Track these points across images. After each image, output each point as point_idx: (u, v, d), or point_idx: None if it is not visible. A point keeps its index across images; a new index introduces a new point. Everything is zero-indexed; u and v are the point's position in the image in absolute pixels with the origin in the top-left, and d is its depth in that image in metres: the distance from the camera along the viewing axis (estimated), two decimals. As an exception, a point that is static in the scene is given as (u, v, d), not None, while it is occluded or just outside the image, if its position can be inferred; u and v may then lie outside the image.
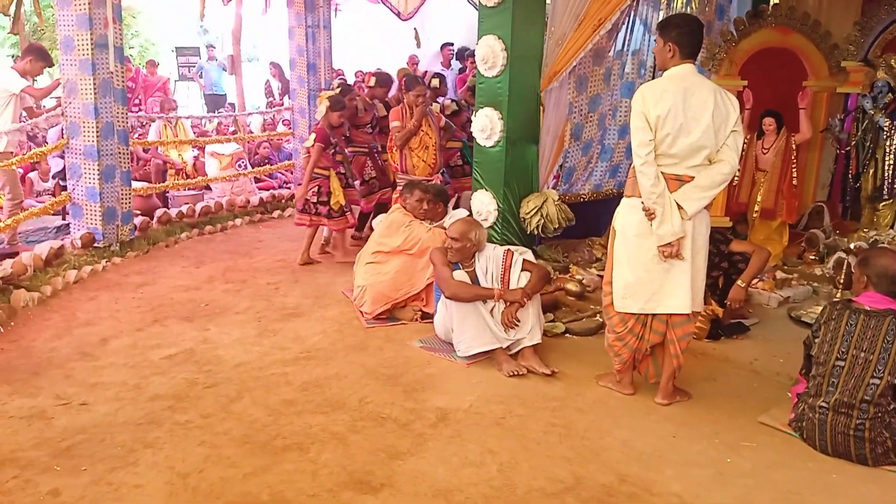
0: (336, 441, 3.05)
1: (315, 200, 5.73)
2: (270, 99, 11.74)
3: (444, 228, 4.52)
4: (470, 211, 4.97)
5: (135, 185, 6.72)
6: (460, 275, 3.98)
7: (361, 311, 4.60)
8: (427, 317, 4.44)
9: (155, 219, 6.63)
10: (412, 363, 3.92)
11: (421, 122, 5.59)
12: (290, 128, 8.58)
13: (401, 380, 3.70)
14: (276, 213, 7.74)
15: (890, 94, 5.44)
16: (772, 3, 6.39)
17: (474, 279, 4.03)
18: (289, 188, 8.38)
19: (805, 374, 3.20)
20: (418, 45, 11.11)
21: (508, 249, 4.17)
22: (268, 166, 8.58)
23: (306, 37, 7.92)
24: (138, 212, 6.51)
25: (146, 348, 4.04)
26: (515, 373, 3.77)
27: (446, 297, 3.96)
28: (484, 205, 5.02)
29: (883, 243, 5.00)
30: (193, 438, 3.05)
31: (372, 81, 6.79)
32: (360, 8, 10.77)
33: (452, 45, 10.33)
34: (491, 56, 4.79)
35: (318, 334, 4.29)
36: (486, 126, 4.91)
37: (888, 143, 5.44)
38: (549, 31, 4.87)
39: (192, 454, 2.92)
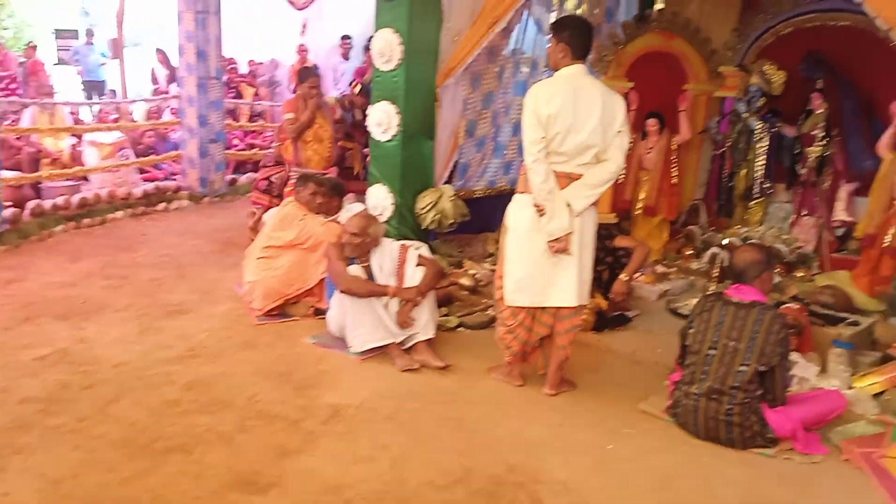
0: (222, 441, 2.96)
1: (280, 182, 5.75)
2: (156, 86, 11.21)
3: (339, 223, 4.47)
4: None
5: (5, 174, 6.26)
6: (355, 270, 3.95)
7: (252, 308, 4.48)
8: (320, 313, 4.38)
9: (27, 211, 6.20)
10: (304, 360, 3.86)
11: (315, 115, 5.50)
12: (177, 116, 8.22)
13: (292, 377, 3.63)
14: (161, 206, 7.40)
15: (763, 99, 5.80)
16: (656, 9, 6.68)
17: (370, 274, 4.01)
18: (174, 180, 8.04)
19: (681, 363, 3.37)
20: (302, 34, 10.89)
21: (404, 244, 4.18)
22: (153, 156, 8.19)
23: (196, 22, 7.61)
24: (9, 203, 6.07)
25: (15, 348, 3.77)
26: (409, 367, 3.78)
27: (340, 292, 3.92)
28: (380, 199, 5.00)
29: (752, 239, 5.34)
30: (67, 443, 2.88)
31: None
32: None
33: (350, 37, 10.20)
34: (388, 50, 4.77)
35: (204, 332, 4.14)
36: (383, 120, 4.89)
37: (760, 146, 5.81)
38: (446, 27, 4.90)
39: (65, 459, 2.76)
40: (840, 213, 5.48)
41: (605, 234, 4.46)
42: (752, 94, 5.80)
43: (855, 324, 4.08)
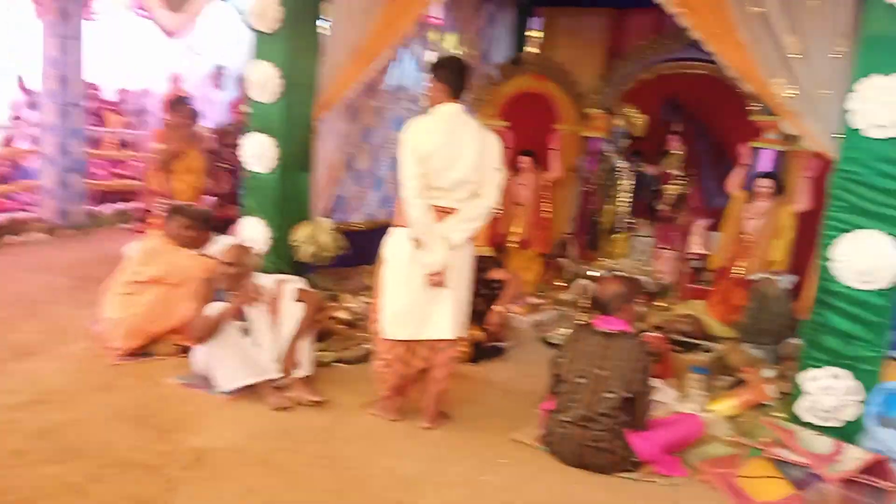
0: (72, 493, 2.72)
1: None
2: (13, 113, 10.44)
3: (210, 256, 4.30)
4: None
5: None
6: (218, 307, 3.78)
7: (111, 347, 4.19)
8: (186, 351, 4.16)
9: None
10: (168, 401, 3.65)
11: (186, 145, 5.31)
12: (34, 144, 7.68)
13: (153, 420, 3.41)
14: (14, 239, 6.84)
15: (626, 140, 6.15)
16: (530, 52, 6.98)
17: (242, 310, 3.87)
18: (29, 211, 7.47)
19: (552, 392, 3.46)
20: (176, 63, 10.56)
21: (279, 279, 4.07)
22: (5, 186, 7.59)
23: (59, 48, 7.19)
24: None
25: None
26: (281, 406, 3.65)
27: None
28: (255, 232, 4.86)
29: (618, 271, 5.60)
30: None
31: None
32: (123, 21, 10.01)
33: (224, 67, 10.00)
34: (265, 82, 4.70)
35: (56, 374, 3.81)
36: (259, 152, 4.78)
37: (623, 183, 6.14)
38: (325, 62, 4.88)
39: None
40: (696, 247, 5.86)
41: (481, 266, 4.54)
42: (616, 136, 6.15)
43: (710, 350, 4.35)
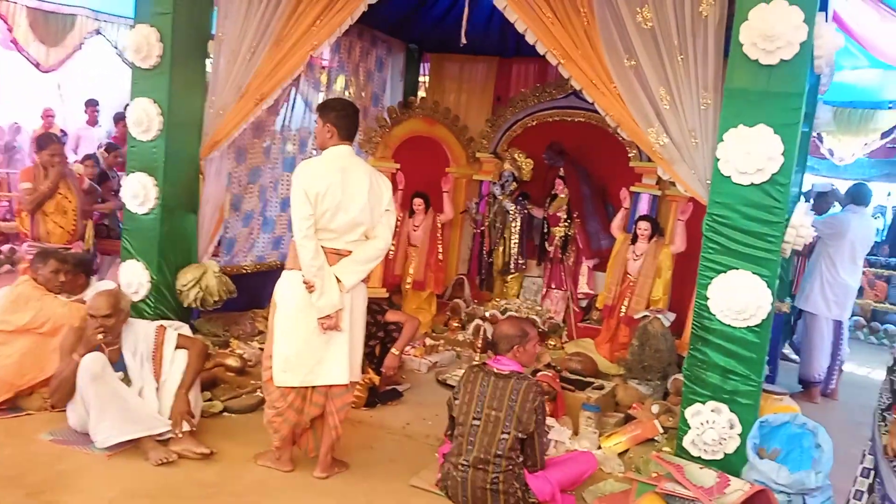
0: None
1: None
2: None
3: (85, 303, 4.03)
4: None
5: None
6: (92, 358, 3.53)
7: (-28, 403, 3.83)
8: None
9: None
10: (39, 460, 3.36)
11: (57, 184, 5.00)
12: None
13: (23, 481, 3.14)
14: None
15: (514, 183, 6.33)
16: (419, 97, 7.10)
17: (119, 359, 3.64)
18: None
19: (449, 435, 3.45)
20: (51, 98, 10.05)
21: (161, 325, 3.87)
22: None
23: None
24: None
25: None
26: (165, 460, 3.44)
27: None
28: (135, 276, 4.63)
29: (511, 311, 5.72)
30: None
31: None
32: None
33: (97, 102, 9.58)
34: (145, 119, 4.54)
35: None
36: (139, 192, 4.59)
37: (514, 225, 6.30)
38: (210, 100, 4.77)
39: None
40: (583, 287, 6.07)
41: (376, 308, 4.51)
42: (505, 179, 6.32)
43: (600, 388, 4.48)
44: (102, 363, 3.51)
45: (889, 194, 11.64)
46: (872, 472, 2.65)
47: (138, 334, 3.76)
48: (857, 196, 5.92)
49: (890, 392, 2.62)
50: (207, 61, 4.86)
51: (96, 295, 3.78)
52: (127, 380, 3.67)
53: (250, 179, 5.46)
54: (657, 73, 3.74)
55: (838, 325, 5.77)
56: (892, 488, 2.52)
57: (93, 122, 9.52)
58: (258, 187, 5.55)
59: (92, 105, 9.49)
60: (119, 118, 8.59)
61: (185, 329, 4.08)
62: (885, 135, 7.76)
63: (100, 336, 3.61)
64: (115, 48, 8.66)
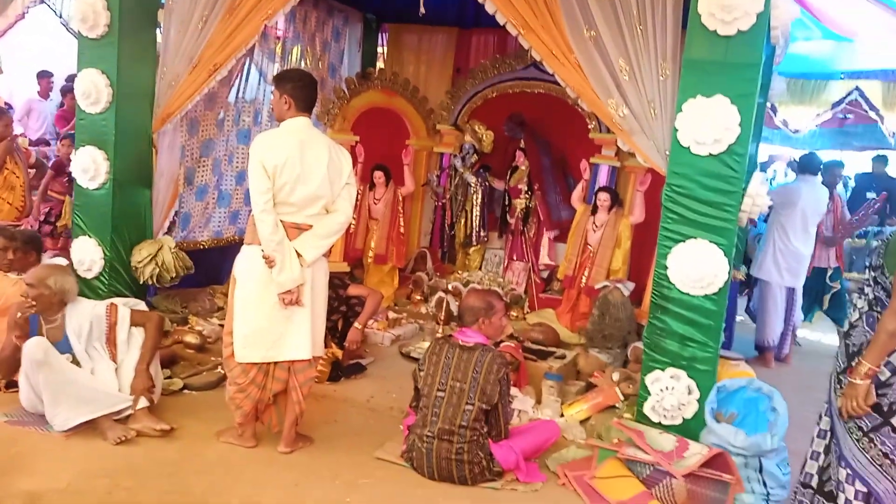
0: None
1: (42, 220, 5.77)
2: None
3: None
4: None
5: None
6: (36, 342, 3.41)
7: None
8: (13, 386, 3.76)
9: None
10: (-8, 443, 3.28)
11: (4, 159, 4.82)
12: None
13: (-25, 465, 3.06)
14: None
15: (475, 155, 6.31)
16: (378, 68, 7.00)
17: (62, 338, 3.54)
18: None
19: (414, 407, 3.46)
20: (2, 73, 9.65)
21: (112, 303, 3.77)
22: None
23: None
24: None
25: None
26: (123, 438, 3.39)
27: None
28: (87, 253, 4.51)
29: (473, 283, 5.73)
30: None
31: None
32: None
33: (51, 74, 9.24)
34: (94, 91, 4.39)
35: None
36: (90, 166, 4.46)
37: (475, 198, 6.29)
38: (161, 71, 4.62)
39: None
40: (544, 258, 6.11)
41: (338, 283, 4.47)
42: (466, 151, 6.29)
43: (562, 357, 4.54)
44: (44, 348, 3.40)
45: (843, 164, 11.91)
46: (829, 434, 2.71)
47: (84, 314, 3.64)
48: (808, 165, 6.04)
49: (845, 356, 2.69)
50: (158, 31, 4.71)
51: (36, 267, 3.68)
52: (76, 361, 3.58)
53: (203, 152, 5.34)
54: (616, 44, 3.74)
55: (791, 291, 5.92)
56: (847, 449, 2.59)
57: (45, 94, 9.19)
58: (211, 160, 5.43)
59: (46, 77, 9.16)
60: (67, 90, 8.31)
61: (140, 306, 3.99)
62: (835, 105, 7.92)
63: (28, 308, 3.52)
64: (60, 17, 8.33)
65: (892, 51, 7.09)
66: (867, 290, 2.68)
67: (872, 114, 7.82)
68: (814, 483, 2.75)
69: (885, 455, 2.52)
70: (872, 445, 2.53)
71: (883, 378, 2.52)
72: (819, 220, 5.91)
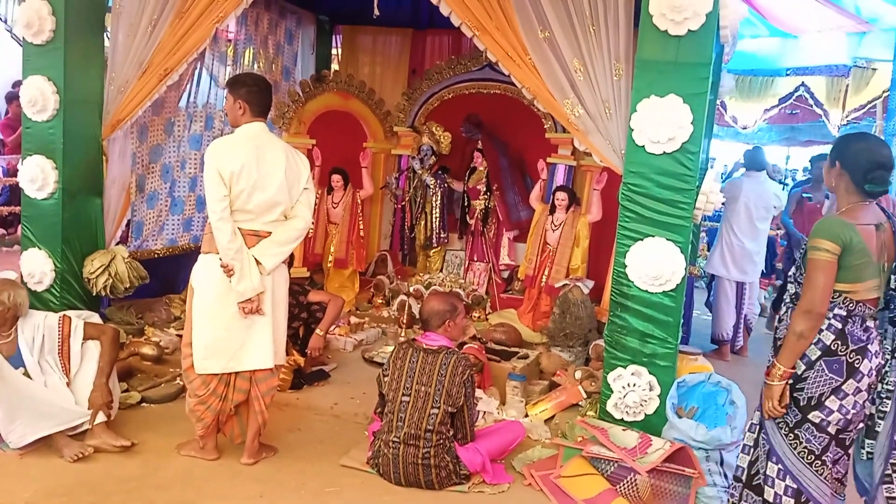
0: None
1: None
2: None
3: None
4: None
5: None
6: None
7: None
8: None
9: None
10: (-59, 465, 3.17)
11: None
12: None
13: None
14: None
15: (433, 157, 6.30)
16: (333, 70, 6.94)
17: (15, 352, 3.43)
18: None
19: (379, 413, 3.44)
20: None
21: (65, 315, 3.67)
22: None
23: None
24: None
25: None
26: (80, 455, 3.30)
27: None
28: (37, 265, 4.38)
29: (435, 285, 5.73)
30: None
31: None
32: None
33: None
34: (40, 99, 4.27)
35: None
36: (37, 176, 4.34)
37: (434, 199, 6.28)
38: (110, 77, 4.51)
39: None
40: (505, 258, 6.14)
41: (298, 289, 4.43)
42: (424, 153, 6.28)
43: (525, 357, 4.56)
44: None
45: (788, 158, 12.25)
46: (758, 427, 2.71)
47: (37, 326, 3.54)
48: (751, 161, 6.13)
49: (773, 349, 2.70)
50: (105, 36, 4.60)
51: None
52: (27, 375, 3.47)
53: (152, 159, 5.23)
54: (571, 45, 3.77)
55: (741, 286, 5.98)
56: (777, 444, 2.61)
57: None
58: (160, 166, 5.32)
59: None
60: (12, 98, 8.06)
61: (94, 318, 3.89)
62: (782, 100, 8.14)
63: None
64: (4, 22, 8.09)
65: (835, 47, 7.31)
66: (790, 286, 2.70)
67: (817, 109, 8.05)
68: (744, 477, 2.74)
69: (812, 453, 2.54)
70: (799, 442, 2.56)
71: (799, 372, 2.55)
72: (768, 214, 5.97)
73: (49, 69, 4.28)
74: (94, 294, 4.53)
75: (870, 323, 2.56)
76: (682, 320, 3.62)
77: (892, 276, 2.58)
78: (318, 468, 3.41)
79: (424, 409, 3.23)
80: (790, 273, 2.72)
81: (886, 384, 2.60)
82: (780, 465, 2.59)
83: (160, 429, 3.69)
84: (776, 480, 2.60)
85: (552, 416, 3.98)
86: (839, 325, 2.52)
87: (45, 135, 4.34)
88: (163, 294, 5.40)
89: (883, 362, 2.59)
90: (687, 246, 3.53)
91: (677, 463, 3.16)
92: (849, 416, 2.53)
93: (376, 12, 4.33)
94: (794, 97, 8.04)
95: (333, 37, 7.34)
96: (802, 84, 7.91)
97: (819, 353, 2.52)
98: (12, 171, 6.56)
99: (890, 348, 2.62)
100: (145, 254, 5.23)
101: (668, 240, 3.50)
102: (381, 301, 6.09)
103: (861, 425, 2.63)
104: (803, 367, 2.54)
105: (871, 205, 2.58)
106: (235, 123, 3.36)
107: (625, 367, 3.60)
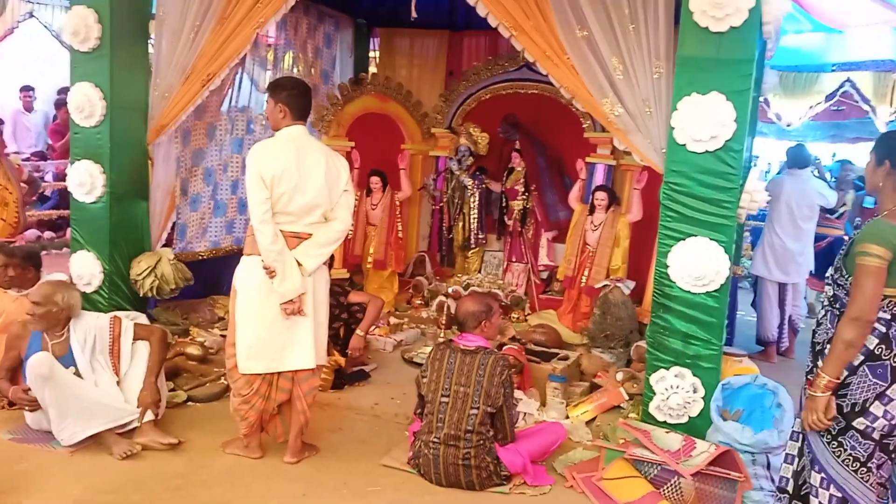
0: None
1: None
2: None
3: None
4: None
5: None
6: (39, 358, 3.38)
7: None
8: (16, 403, 3.74)
9: None
10: (-2, 460, 3.26)
11: (-5, 175, 4.81)
12: None
13: (-19, 484, 3.04)
14: None
15: (471, 158, 6.31)
16: (370, 73, 6.99)
17: (67, 352, 3.53)
18: None
19: (419, 414, 3.45)
20: None
21: (115, 316, 3.76)
22: None
23: None
24: None
25: None
26: (129, 453, 3.38)
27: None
28: (86, 267, 4.50)
29: (473, 286, 5.73)
30: None
31: None
32: None
33: (32, 88, 9.24)
34: (87, 105, 4.38)
35: None
36: (86, 180, 4.45)
37: (472, 200, 6.29)
38: (154, 83, 4.61)
39: None
40: (543, 259, 6.11)
41: (338, 290, 4.47)
42: (461, 154, 6.28)
43: (565, 358, 4.53)
44: (49, 363, 3.37)
45: (834, 155, 11.95)
46: (801, 436, 2.64)
47: (89, 327, 3.64)
48: (793, 158, 6.01)
49: (811, 354, 2.62)
50: (150, 42, 4.70)
51: (39, 284, 3.67)
52: (78, 374, 3.57)
53: (195, 162, 5.33)
54: (609, 43, 3.74)
55: (783, 287, 5.86)
56: (819, 453, 2.53)
57: (28, 107, 9.19)
58: (202, 170, 5.41)
59: (26, 90, 9.16)
60: (61, 104, 8.29)
61: (142, 319, 3.98)
62: (828, 97, 7.94)
63: (29, 323, 3.53)
64: (51, 31, 8.34)
65: (882, 42, 7.11)
66: (827, 288, 2.62)
67: (864, 105, 7.84)
68: (790, 487, 2.67)
69: (857, 460, 2.46)
70: (843, 450, 2.48)
71: (842, 378, 2.46)
72: (811, 213, 5.82)
73: (96, 76, 4.38)
74: (140, 295, 4.63)
75: None
76: (726, 321, 3.56)
77: None
78: (360, 468, 3.43)
79: (464, 409, 3.23)
80: (827, 274, 2.63)
81: None
82: (822, 474, 2.51)
83: (205, 427, 3.76)
84: (820, 490, 2.52)
85: (593, 418, 3.95)
86: (884, 330, 2.44)
87: (92, 140, 4.44)
88: (207, 295, 5.49)
89: None
90: (731, 245, 3.48)
91: (722, 466, 3.10)
92: (894, 422, 2.45)
93: (414, 14, 4.35)
94: (839, 93, 7.84)
95: (371, 40, 7.39)
96: (848, 80, 7.69)
97: (862, 357, 2.44)
98: (61, 176, 6.74)
99: None
100: (190, 256, 5.33)
101: (711, 239, 3.45)
102: (419, 302, 6.11)
103: None
104: (846, 373, 2.46)
105: None
106: (276, 127, 3.40)
107: (667, 368, 3.55)
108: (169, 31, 4.53)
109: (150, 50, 4.70)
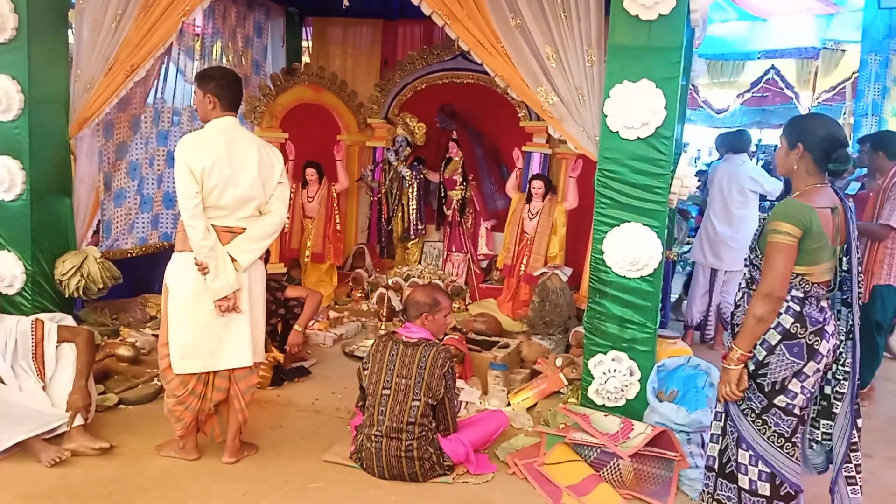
0: None
1: None
2: None
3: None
4: None
5: None
6: None
7: None
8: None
9: None
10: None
11: None
12: None
13: None
14: None
15: (409, 148, 6.27)
16: (303, 63, 6.87)
17: None
18: None
19: (360, 407, 3.42)
20: None
21: (38, 319, 3.60)
22: None
23: None
24: None
25: None
26: (58, 459, 3.24)
27: None
28: (7, 268, 4.30)
29: (414, 277, 5.71)
30: None
31: None
32: None
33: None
34: (4, 98, 4.19)
35: None
36: (4, 177, 4.26)
37: (411, 191, 6.26)
38: (76, 74, 4.43)
39: None
40: (483, 248, 6.14)
41: (275, 285, 4.38)
42: (399, 144, 6.25)
43: (505, 346, 4.57)
44: None
45: (759, 141, 12.37)
46: (724, 415, 2.69)
47: (9, 331, 3.49)
48: (729, 143, 5.87)
49: (731, 336, 2.68)
50: (70, 32, 4.50)
51: None
52: (0, 380, 3.41)
53: (118, 156, 5.14)
54: (542, 32, 3.76)
55: (714, 273, 5.72)
56: (745, 431, 2.59)
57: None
58: (126, 164, 5.23)
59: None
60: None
61: (68, 320, 3.81)
62: (754, 84, 8.20)
63: None
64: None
65: (804, 30, 7.39)
66: (745, 270, 2.68)
67: (788, 91, 8.13)
68: (716, 466, 2.72)
69: (782, 436, 2.53)
70: (767, 427, 2.55)
71: (760, 357, 2.53)
72: (744, 198, 5.74)
73: (12, 68, 4.18)
74: (66, 296, 4.45)
75: (824, 304, 2.56)
76: (660, 305, 3.64)
77: (844, 259, 2.58)
78: (302, 464, 3.38)
79: (405, 401, 3.22)
80: (744, 257, 2.69)
81: (842, 365, 2.60)
82: (750, 452, 2.58)
83: (139, 430, 3.64)
84: (749, 467, 2.59)
85: (534, 405, 3.99)
86: (797, 308, 2.51)
87: (10, 135, 4.25)
88: (137, 294, 5.33)
89: (838, 343, 2.59)
90: (663, 231, 3.55)
91: (659, 446, 3.18)
92: (809, 396, 2.55)
93: (346, 3, 4.28)
94: (764, 80, 8.10)
95: (303, 29, 7.27)
96: (773, 67, 7.97)
97: (779, 337, 2.51)
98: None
99: (844, 329, 2.63)
100: (118, 253, 5.15)
101: (644, 225, 3.51)
102: (359, 295, 6.06)
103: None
104: (764, 353, 2.52)
105: (826, 187, 2.56)
106: (205, 118, 3.30)
107: (605, 352, 3.61)
108: (90, 20, 4.37)
109: (71, 40, 4.50)
